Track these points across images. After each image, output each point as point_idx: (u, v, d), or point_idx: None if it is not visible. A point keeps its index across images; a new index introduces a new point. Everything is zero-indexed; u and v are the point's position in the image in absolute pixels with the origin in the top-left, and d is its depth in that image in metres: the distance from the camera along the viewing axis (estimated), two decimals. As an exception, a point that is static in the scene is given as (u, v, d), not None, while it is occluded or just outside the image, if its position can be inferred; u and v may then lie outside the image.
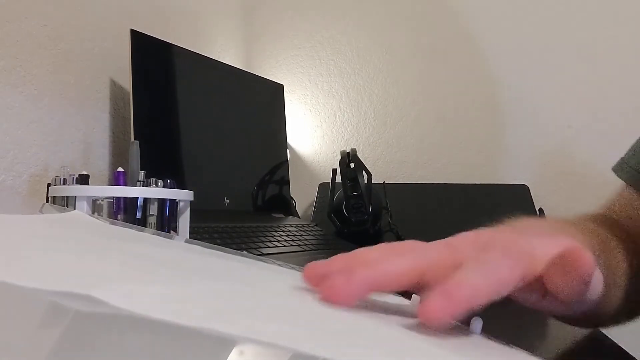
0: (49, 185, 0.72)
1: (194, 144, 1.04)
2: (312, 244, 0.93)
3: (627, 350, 0.49)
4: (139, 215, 0.67)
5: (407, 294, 0.38)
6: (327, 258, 0.31)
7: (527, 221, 0.36)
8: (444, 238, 0.31)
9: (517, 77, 1.33)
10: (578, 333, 0.59)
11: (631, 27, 1.26)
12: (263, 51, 1.51)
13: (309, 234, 1.00)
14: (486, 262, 0.25)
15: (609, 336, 0.55)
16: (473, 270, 0.24)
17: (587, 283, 0.25)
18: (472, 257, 0.26)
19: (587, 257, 0.25)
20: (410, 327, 0.25)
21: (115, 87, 0.97)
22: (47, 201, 0.71)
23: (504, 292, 0.25)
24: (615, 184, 0.56)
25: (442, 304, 0.23)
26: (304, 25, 1.48)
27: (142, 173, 0.73)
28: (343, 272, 0.25)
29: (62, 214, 0.39)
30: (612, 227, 0.46)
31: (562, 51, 1.30)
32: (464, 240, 0.28)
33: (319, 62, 1.47)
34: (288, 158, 1.35)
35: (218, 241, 0.77)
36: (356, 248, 0.32)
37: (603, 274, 0.31)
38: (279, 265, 0.37)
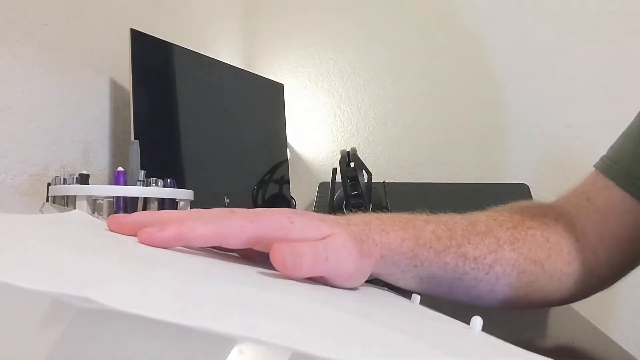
0: (49, 184, 0.72)
1: (194, 144, 1.04)
2: (312, 244, 0.93)
3: (627, 350, 0.49)
4: (139, 214, 0.67)
5: (407, 294, 0.38)
6: None
7: (370, 216, 0.41)
8: None
9: (518, 77, 1.33)
10: (578, 332, 0.59)
11: (631, 27, 1.26)
12: (263, 50, 1.51)
13: (309, 234, 1.00)
14: (224, 217, 0.32)
15: (610, 336, 0.55)
16: (206, 220, 0.31)
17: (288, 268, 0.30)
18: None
19: (277, 250, 0.29)
20: (409, 326, 0.25)
21: (115, 86, 0.97)
22: (47, 200, 0.71)
23: (229, 242, 0.31)
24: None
25: (156, 233, 0.29)
26: (304, 24, 1.48)
27: (142, 172, 0.73)
28: (156, 225, 0.30)
29: (62, 213, 0.39)
30: (545, 216, 0.49)
31: (563, 51, 1.30)
32: (266, 212, 0.33)
33: (319, 61, 1.47)
34: (288, 157, 1.35)
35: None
36: None
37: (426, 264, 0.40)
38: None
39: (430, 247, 0.41)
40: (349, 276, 0.34)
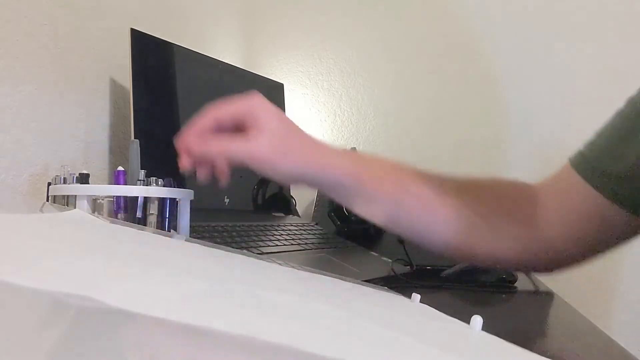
0: (49, 184, 0.72)
1: (194, 143, 1.04)
2: (312, 243, 0.93)
3: (627, 349, 0.49)
4: (139, 214, 0.67)
5: (407, 294, 0.38)
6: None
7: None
8: None
9: (518, 77, 1.33)
10: (578, 331, 0.60)
11: (631, 27, 1.26)
12: (263, 50, 1.51)
13: (309, 233, 1.00)
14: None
15: (609, 335, 0.55)
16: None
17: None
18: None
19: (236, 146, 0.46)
20: (409, 326, 0.25)
21: (115, 86, 0.97)
22: (48, 200, 0.71)
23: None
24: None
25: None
26: (304, 24, 1.48)
27: (142, 172, 0.73)
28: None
29: (63, 213, 0.39)
30: (514, 187, 0.57)
31: (563, 51, 1.30)
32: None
33: (319, 61, 1.47)
34: (288, 157, 1.34)
35: (218, 240, 0.77)
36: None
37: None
38: (279, 264, 0.38)
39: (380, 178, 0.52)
40: (260, 160, 0.48)
